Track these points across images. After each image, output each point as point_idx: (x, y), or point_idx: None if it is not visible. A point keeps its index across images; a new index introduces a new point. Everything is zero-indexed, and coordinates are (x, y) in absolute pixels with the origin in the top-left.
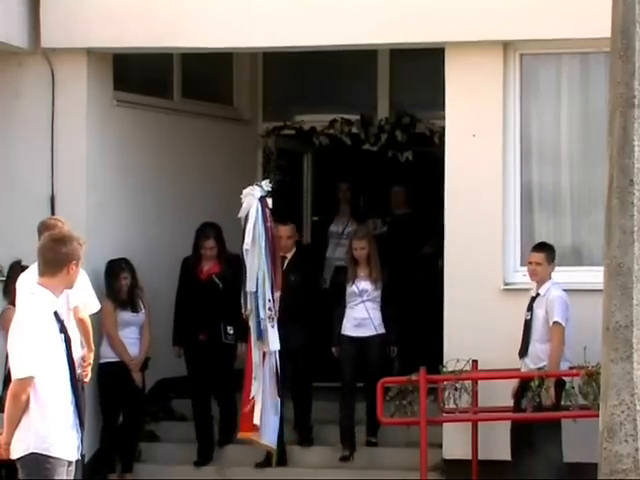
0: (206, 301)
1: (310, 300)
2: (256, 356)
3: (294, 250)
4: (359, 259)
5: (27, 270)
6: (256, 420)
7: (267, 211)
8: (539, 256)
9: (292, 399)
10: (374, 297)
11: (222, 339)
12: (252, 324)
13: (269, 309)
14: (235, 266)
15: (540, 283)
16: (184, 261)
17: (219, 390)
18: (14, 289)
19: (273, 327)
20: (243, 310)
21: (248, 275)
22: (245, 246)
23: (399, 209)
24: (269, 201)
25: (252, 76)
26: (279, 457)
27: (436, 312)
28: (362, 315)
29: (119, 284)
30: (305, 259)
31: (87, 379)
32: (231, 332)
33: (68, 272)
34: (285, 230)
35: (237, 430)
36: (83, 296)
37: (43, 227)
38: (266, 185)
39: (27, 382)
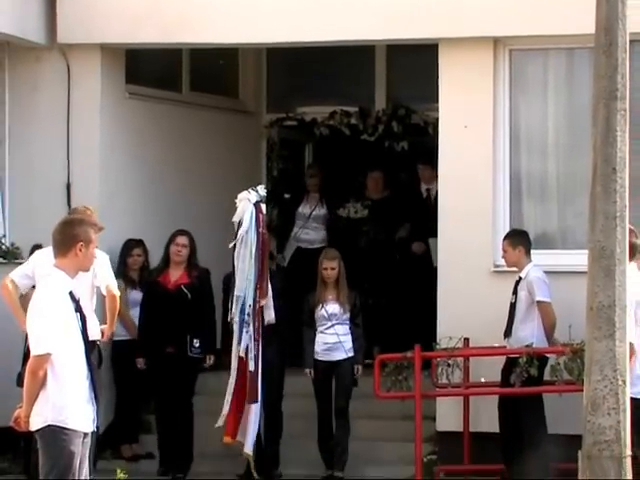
0: (174, 312)
1: (286, 319)
2: (234, 361)
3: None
4: (328, 280)
5: (42, 249)
6: (247, 426)
7: (261, 217)
8: (504, 243)
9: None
10: (343, 320)
11: (187, 352)
12: (235, 329)
13: (247, 314)
14: (204, 277)
15: (520, 267)
16: (150, 272)
17: (181, 406)
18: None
19: (247, 333)
20: (230, 314)
21: (237, 279)
22: (236, 250)
23: (377, 194)
24: (263, 207)
25: (256, 70)
26: (259, 467)
27: (419, 293)
28: (332, 340)
29: (132, 260)
30: (282, 277)
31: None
32: (197, 345)
33: (76, 254)
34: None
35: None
36: (106, 277)
37: (72, 213)
38: (262, 190)
39: (44, 359)
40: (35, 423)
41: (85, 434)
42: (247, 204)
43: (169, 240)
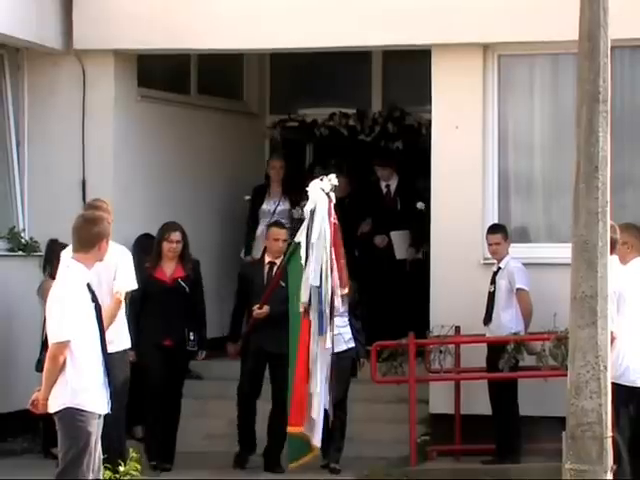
0: (173, 306)
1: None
2: (314, 352)
3: (281, 256)
4: None
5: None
6: (314, 414)
7: (331, 206)
8: (497, 237)
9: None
10: (341, 312)
11: (186, 346)
12: (313, 319)
13: (326, 303)
14: (197, 270)
15: (500, 258)
16: (141, 265)
17: (172, 399)
18: (53, 264)
19: (331, 324)
20: (302, 303)
21: (312, 269)
22: (312, 240)
23: (338, 194)
24: (332, 196)
25: (260, 74)
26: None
27: (387, 285)
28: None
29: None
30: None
31: None
32: (192, 338)
33: (100, 249)
34: (283, 233)
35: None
36: (125, 274)
37: (88, 207)
38: (334, 179)
39: (64, 345)
40: (53, 406)
41: (100, 415)
42: (320, 193)
43: (161, 236)
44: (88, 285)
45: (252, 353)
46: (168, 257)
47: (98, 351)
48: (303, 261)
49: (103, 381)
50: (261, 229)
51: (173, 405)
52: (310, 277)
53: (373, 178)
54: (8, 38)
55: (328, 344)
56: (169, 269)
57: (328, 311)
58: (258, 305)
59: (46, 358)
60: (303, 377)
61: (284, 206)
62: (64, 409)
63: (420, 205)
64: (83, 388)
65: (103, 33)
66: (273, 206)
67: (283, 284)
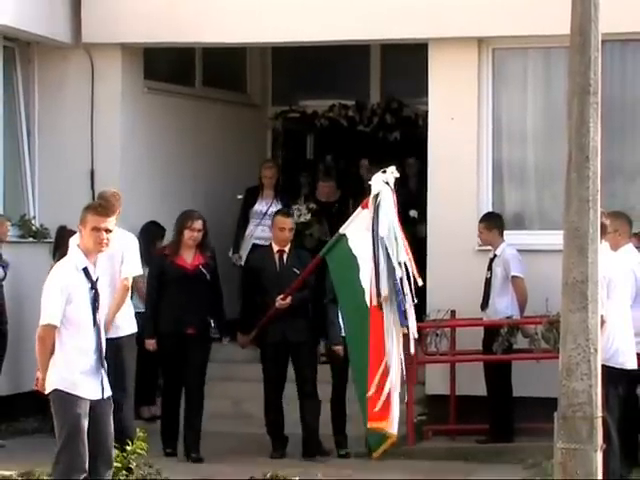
0: (193, 293)
1: (314, 294)
2: (392, 344)
3: (289, 245)
4: None
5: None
6: (395, 410)
7: (395, 198)
8: (479, 226)
9: (299, 399)
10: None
11: (209, 333)
12: (390, 312)
13: (404, 294)
14: (214, 257)
15: (495, 246)
16: (158, 253)
17: (192, 386)
18: (63, 250)
19: (412, 314)
20: (382, 294)
21: (394, 260)
22: (381, 233)
23: (325, 198)
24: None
25: (262, 67)
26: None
27: None
28: None
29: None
30: (301, 252)
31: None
32: (213, 325)
33: (81, 236)
34: (289, 222)
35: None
36: (132, 259)
37: (99, 197)
38: (395, 172)
39: (49, 328)
40: (47, 387)
41: (93, 400)
42: (384, 186)
43: (182, 224)
44: (85, 270)
45: (272, 344)
46: (188, 245)
47: (91, 337)
48: (356, 252)
49: (95, 367)
50: (250, 229)
51: (197, 394)
52: (396, 270)
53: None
54: (19, 32)
55: (414, 334)
56: (189, 257)
57: (409, 302)
58: (282, 296)
59: (36, 340)
60: (382, 371)
61: (276, 208)
62: (53, 391)
63: (413, 213)
64: (70, 374)
65: (111, 28)
66: (265, 207)
67: (298, 271)
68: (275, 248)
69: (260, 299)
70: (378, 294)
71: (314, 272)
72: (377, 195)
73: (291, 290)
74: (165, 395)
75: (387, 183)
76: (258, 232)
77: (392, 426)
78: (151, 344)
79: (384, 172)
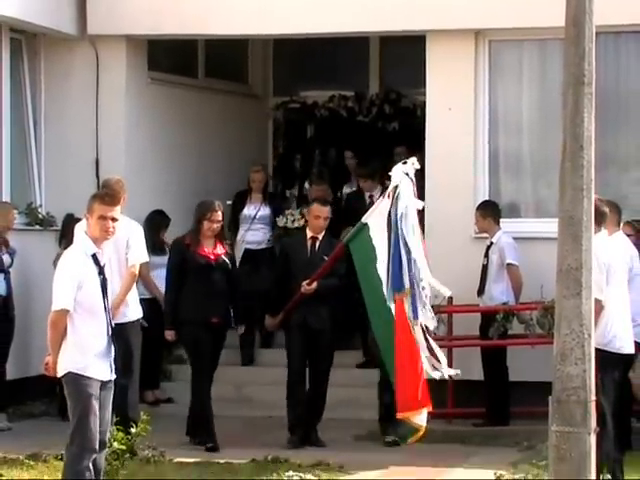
0: (216, 282)
1: (343, 281)
2: (420, 334)
3: (323, 232)
4: None
5: (81, 222)
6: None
7: (414, 190)
8: (476, 214)
9: (309, 383)
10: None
11: (231, 322)
12: (410, 304)
13: (422, 288)
14: (232, 245)
15: (491, 233)
16: (178, 242)
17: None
18: (69, 237)
19: (425, 307)
20: (405, 287)
21: (413, 254)
22: (399, 225)
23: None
24: (414, 180)
25: (264, 58)
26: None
27: None
28: None
29: (158, 238)
30: (334, 241)
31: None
32: (232, 314)
33: (88, 224)
34: (325, 211)
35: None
36: (138, 247)
37: (104, 185)
38: (416, 164)
39: (61, 313)
40: (59, 370)
41: (102, 381)
42: (404, 178)
43: (202, 215)
44: (94, 256)
45: (295, 327)
46: (206, 235)
47: (101, 320)
48: (375, 242)
49: (106, 350)
50: (241, 234)
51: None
52: (420, 265)
53: (356, 189)
54: (26, 24)
55: (433, 324)
56: (209, 246)
57: (425, 294)
58: (308, 281)
59: (48, 325)
60: (414, 362)
61: (264, 212)
62: (66, 373)
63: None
64: (82, 357)
65: (116, 20)
66: (254, 211)
67: (326, 258)
68: (309, 234)
69: (289, 284)
70: (399, 287)
71: (343, 261)
72: (396, 186)
73: (317, 276)
74: (199, 387)
75: (407, 174)
76: (249, 237)
77: (421, 418)
78: (170, 334)
79: (404, 163)
